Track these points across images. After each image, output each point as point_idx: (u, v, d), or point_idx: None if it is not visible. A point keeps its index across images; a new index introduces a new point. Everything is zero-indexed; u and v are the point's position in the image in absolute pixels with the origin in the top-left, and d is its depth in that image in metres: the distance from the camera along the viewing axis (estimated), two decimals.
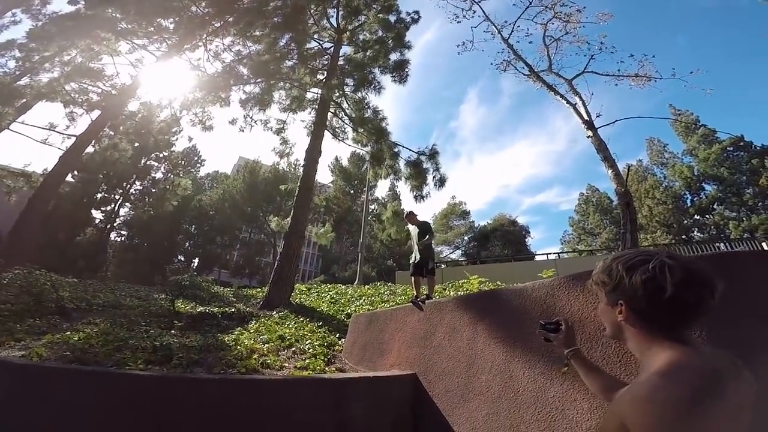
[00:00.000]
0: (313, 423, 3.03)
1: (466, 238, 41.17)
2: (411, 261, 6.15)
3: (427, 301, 4.55)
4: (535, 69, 14.79)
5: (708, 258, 2.54)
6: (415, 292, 5.73)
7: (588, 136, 12.40)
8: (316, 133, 11.54)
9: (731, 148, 32.22)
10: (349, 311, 8.21)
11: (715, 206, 32.21)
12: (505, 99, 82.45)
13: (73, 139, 12.89)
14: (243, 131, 13.90)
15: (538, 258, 24.46)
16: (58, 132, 14.39)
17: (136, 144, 19.53)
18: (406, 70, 12.88)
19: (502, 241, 38.86)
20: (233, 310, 7.95)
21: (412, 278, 5.91)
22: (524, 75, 15.30)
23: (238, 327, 6.53)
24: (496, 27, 15.60)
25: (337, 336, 6.18)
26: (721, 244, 22.51)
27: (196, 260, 38.63)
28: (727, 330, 1.83)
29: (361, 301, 9.56)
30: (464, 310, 3.70)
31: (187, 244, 38.60)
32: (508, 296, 3.31)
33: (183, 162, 34.23)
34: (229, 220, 36.40)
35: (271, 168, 34.22)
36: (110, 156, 15.90)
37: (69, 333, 4.55)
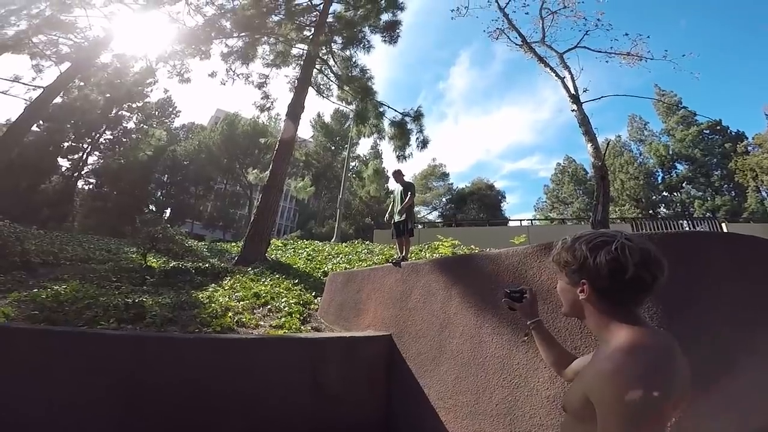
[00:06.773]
0: (289, 383, 3.09)
1: (443, 199, 41.70)
2: (386, 218, 6.24)
3: (402, 263, 4.57)
4: (528, 40, 14.40)
5: (674, 236, 2.65)
6: (397, 253, 5.81)
7: (572, 110, 12.47)
8: (300, 89, 11.35)
9: (708, 131, 33.15)
10: (325, 269, 8.16)
11: (683, 185, 33.60)
12: (497, 64, 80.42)
13: (40, 90, 12.51)
14: (224, 84, 14.12)
15: (511, 224, 25.03)
16: (23, 83, 13.87)
17: (108, 95, 19.26)
18: (397, 30, 12.70)
19: (479, 204, 39.57)
20: (207, 265, 7.80)
21: (396, 239, 6.01)
22: (516, 45, 14.95)
23: (213, 283, 6.44)
24: None
25: (313, 294, 6.20)
26: (684, 222, 23.13)
27: (168, 210, 38.10)
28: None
29: (339, 258, 9.56)
30: (440, 274, 3.74)
31: (159, 193, 38.06)
32: (481, 262, 3.33)
33: (157, 113, 33.81)
34: (204, 171, 36.54)
35: (250, 121, 34.87)
36: (80, 106, 15.28)
37: (36, 290, 4.39)
